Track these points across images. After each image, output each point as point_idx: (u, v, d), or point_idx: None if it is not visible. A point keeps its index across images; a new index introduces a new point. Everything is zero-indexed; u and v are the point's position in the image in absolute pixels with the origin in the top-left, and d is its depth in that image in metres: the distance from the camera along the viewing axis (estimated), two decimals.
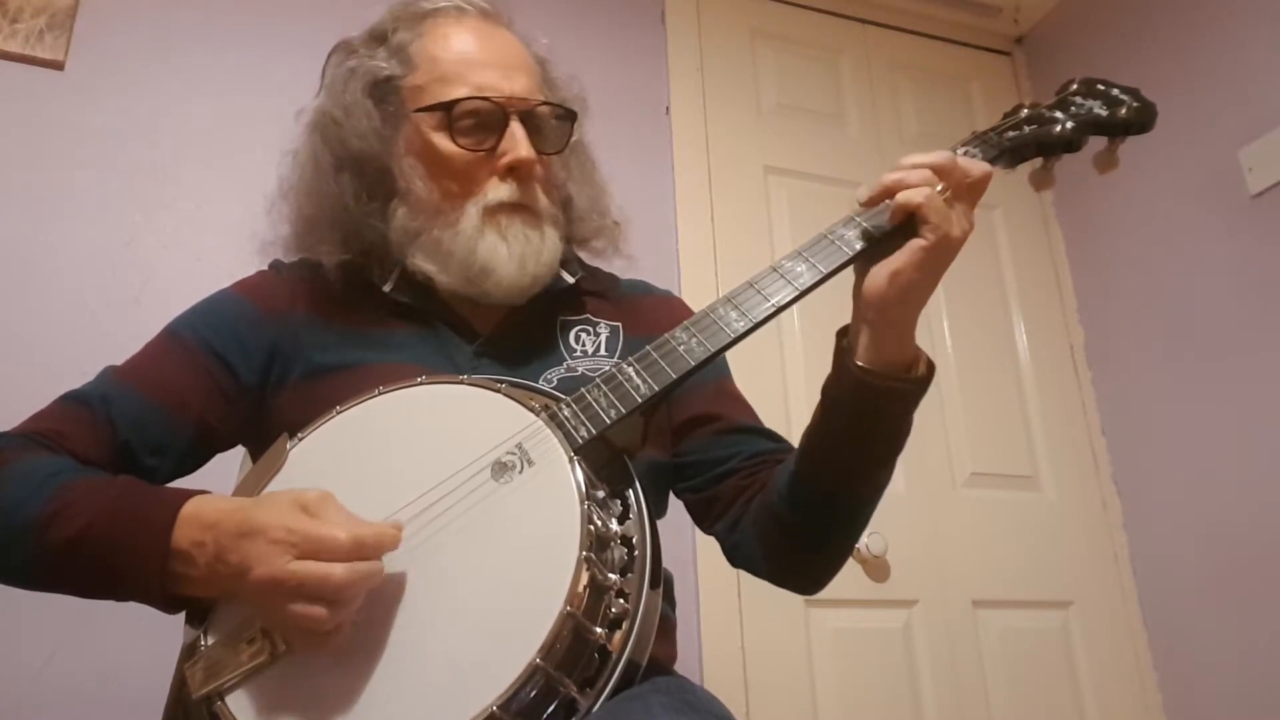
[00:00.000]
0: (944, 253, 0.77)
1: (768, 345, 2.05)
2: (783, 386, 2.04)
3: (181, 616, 0.78)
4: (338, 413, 0.83)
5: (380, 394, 0.84)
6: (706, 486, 1.00)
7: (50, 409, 0.88)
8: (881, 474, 0.87)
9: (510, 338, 0.98)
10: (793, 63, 2.41)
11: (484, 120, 0.95)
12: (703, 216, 2.13)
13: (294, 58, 1.88)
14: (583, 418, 0.77)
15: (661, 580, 0.76)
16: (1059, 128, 0.88)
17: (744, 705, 1.78)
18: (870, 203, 0.81)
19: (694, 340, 0.79)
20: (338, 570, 0.66)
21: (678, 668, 0.94)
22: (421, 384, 0.84)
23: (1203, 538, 1.99)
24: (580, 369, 0.97)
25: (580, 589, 0.67)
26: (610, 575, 0.70)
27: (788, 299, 0.80)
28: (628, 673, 0.68)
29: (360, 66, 0.98)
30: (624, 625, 0.69)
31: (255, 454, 0.97)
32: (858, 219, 0.81)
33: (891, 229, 0.79)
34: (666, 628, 0.96)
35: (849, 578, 1.84)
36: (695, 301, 1.04)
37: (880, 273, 0.78)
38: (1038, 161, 0.90)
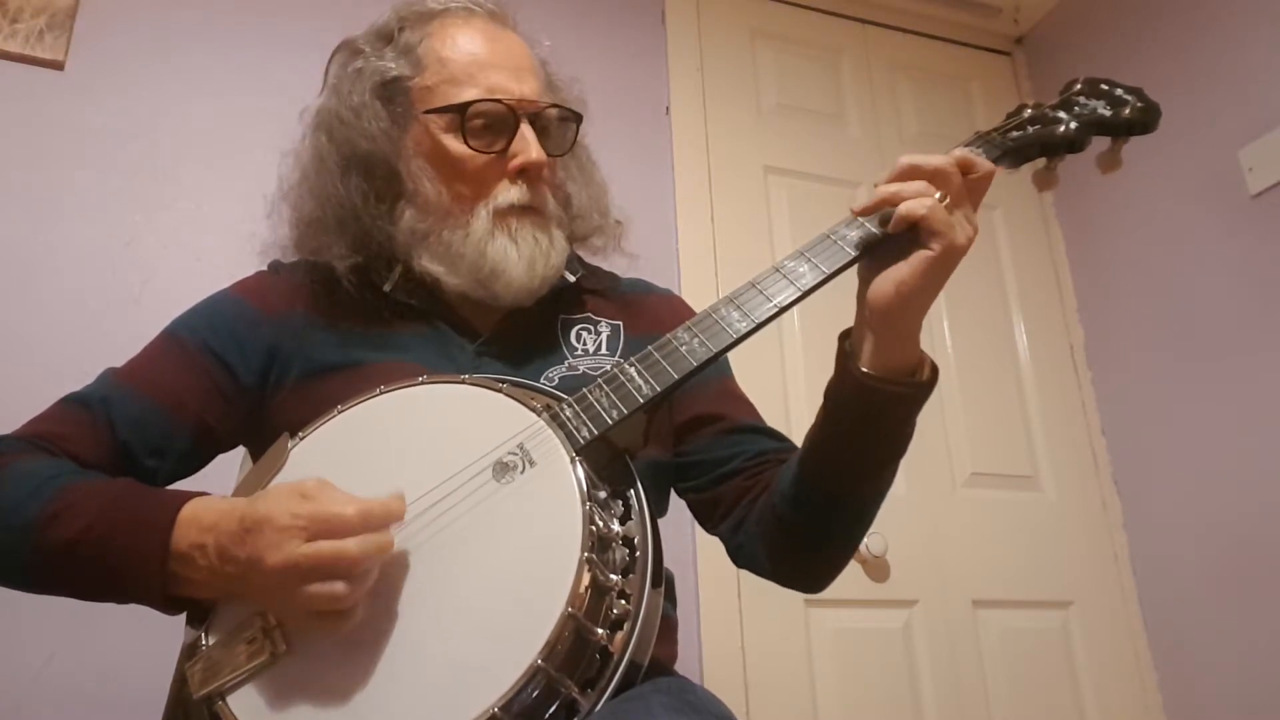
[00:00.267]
0: (949, 261, 0.77)
1: (768, 345, 2.05)
2: (783, 387, 2.03)
3: (182, 617, 0.78)
4: (339, 412, 0.83)
5: (381, 393, 0.83)
6: (710, 487, 1.00)
7: (51, 411, 0.88)
8: (885, 476, 0.87)
9: (511, 337, 0.98)
10: (793, 63, 2.41)
11: (494, 122, 0.95)
12: (703, 216, 2.13)
13: (294, 58, 1.88)
14: (584, 418, 0.77)
15: (663, 580, 0.75)
16: (1062, 128, 0.88)
17: (744, 705, 1.78)
18: (866, 213, 0.80)
19: (696, 340, 0.79)
20: (351, 545, 0.67)
21: (678, 668, 0.94)
22: (422, 384, 0.83)
23: (1203, 538, 1.99)
24: (581, 367, 0.97)
25: (582, 590, 0.67)
26: (612, 576, 0.70)
27: (790, 299, 0.79)
28: (629, 673, 0.68)
29: (368, 67, 0.98)
30: (625, 626, 0.69)
31: (256, 454, 0.97)
32: (860, 219, 0.81)
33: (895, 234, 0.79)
34: (667, 628, 0.96)
35: (849, 578, 1.83)
36: (695, 301, 1.05)
37: (885, 282, 0.77)
38: (1040, 162, 0.90)
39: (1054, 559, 2.13)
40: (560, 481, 0.73)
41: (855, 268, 0.81)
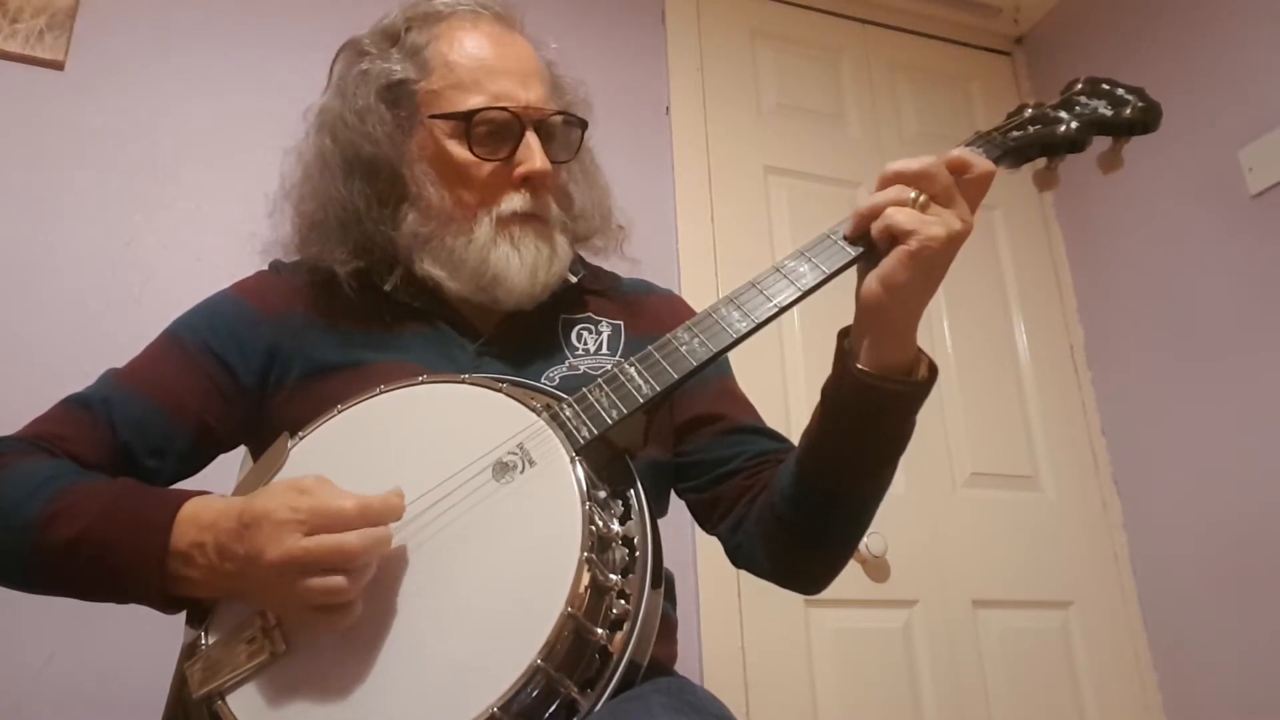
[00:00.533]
0: (932, 256, 0.75)
1: (768, 345, 2.05)
2: (783, 386, 2.03)
3: (181, 616, 0.78)
4: (339, 412, 0.83)
5: (381, 393, 0.83)
6: (709, 487, 1.00)
7: (52, 412, 0.88)
8: (883, 474, 0.87)
9: (512, 337, 0.98)
10: (793, 63, 2.41)
11: (500, 129, 0.95)
12: (703, 216, 2.13)
13: (294, 58, 1.88)
14: (584, 418, 0.77)
15: (663, 581, 0.75)
16: (1063, 127, 0.88)
17: (744, 705, 1.78)
18: (851, 236, 0.80)
19: (696, 340, 0.79)
20: (351, 538, 0.67)
21: (678, 668, 0.94)
22: (423, 383, 0.83)
23: (1203, 538, 1.99)
24: (582, 367, 0.97)
25: (581, 590, 0.67)
26: (611, 576, 0.70)
27: (790, 299, 0.79)
28: (629, 673, 0.68)
29: (373, 69, 0.97)
30: (625, 626, 0.69)
31: (256, 454, 0.97)
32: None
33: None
34: (667, 628, 0.96)
35: (849, 578, 1.84)
36: (695, 301, 1.04)
37: (873, 279, 0.77)
38: (1041, 162, 0.90)
39: (1054, 559, 2.13)
40: (560, 481, 0.73)
41: (855, 267, 0.81)
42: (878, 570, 1.96)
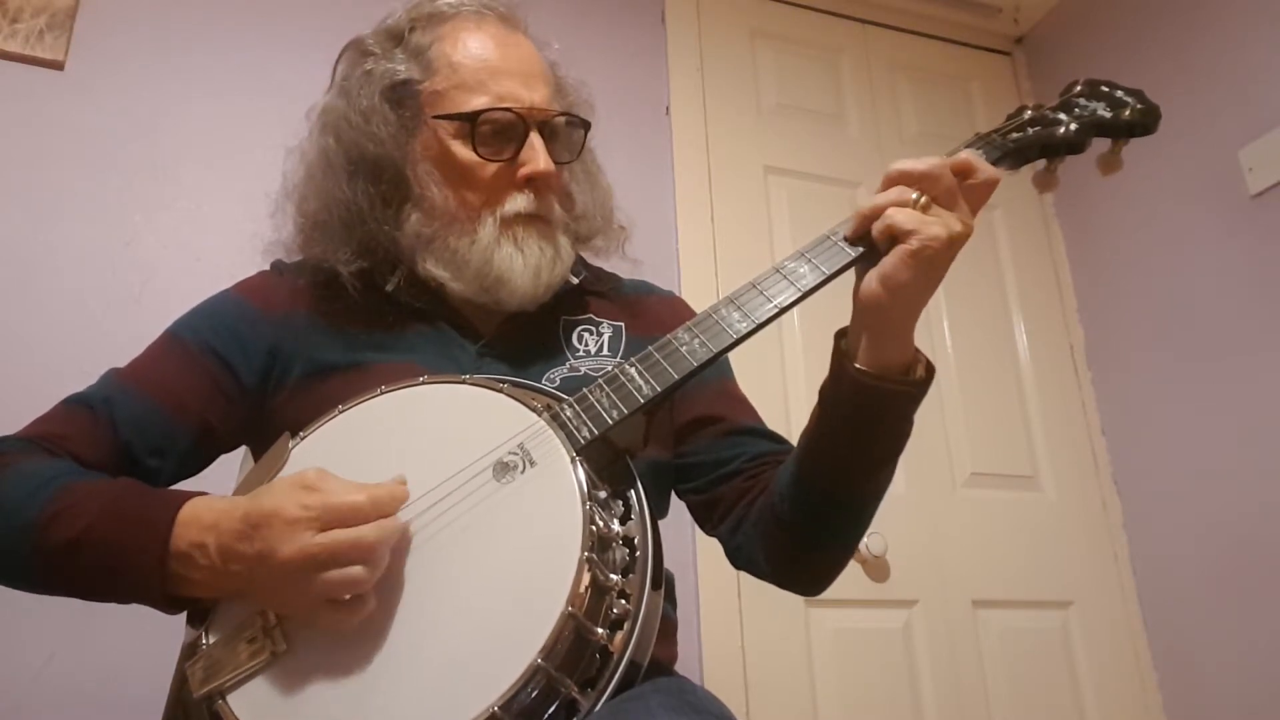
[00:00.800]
0: (932, 256, 0.75)
1: (768, 346, 2.05)
2: (783, 387, 2.03)
3: (182, 616, 0.78)
4: (340, 412, 0.84)
5: (382, 394, 0.84)
6: (709, 488, 1.00)
7: (53, 412, 0.88)
8: (882, 474, 0.87)
9: (514, 338, 0.98)
10: (793, 63, 2.41)
11: (504, 130, 0.95)
12: (703, 216, 2.13)
13: (294, 58, 1.88)
14: (585, 418, 0.77)
15: (663, 581, 0.75)
16: (1062, 129, 0.88)
17: (744, 705, 1.78)
18: (852, 236, 0.80)
19: (696, 341, 0.79)
20: (367, 531, 0.68)
21: (678, 668, 0.94)
22: (423, 384, 0.84)
23: (1203, 538, 1.99)
24: (583, 369, 0.97)
25: (582, 589, 0.67)
26: (612, 576, 0.70)
27: (790, 300, 0.79)
28: (629, 673, 0.68)
29: (377, 69, 0.97)
30: (625, 626, 0.69)
31: (257, 454, 0.97)
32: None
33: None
34: (668, 628, 0.96)
35: (849, 578, 1.84)
36: (696, 301, 1.05)
37: (873, 278, 0.78)
38: (1040, 163, 0.90)
39: (1054, 559, 2.13)
40: (560, 481, 0.73)
41: (854, 268, 0.81)
42: (878, 570, 1.96)
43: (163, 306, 1.02)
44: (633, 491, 0.77)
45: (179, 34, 1.86)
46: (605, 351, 1.00)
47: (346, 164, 0.96)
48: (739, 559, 0.99)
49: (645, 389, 0.78)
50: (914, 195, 0.77)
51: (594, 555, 0.69)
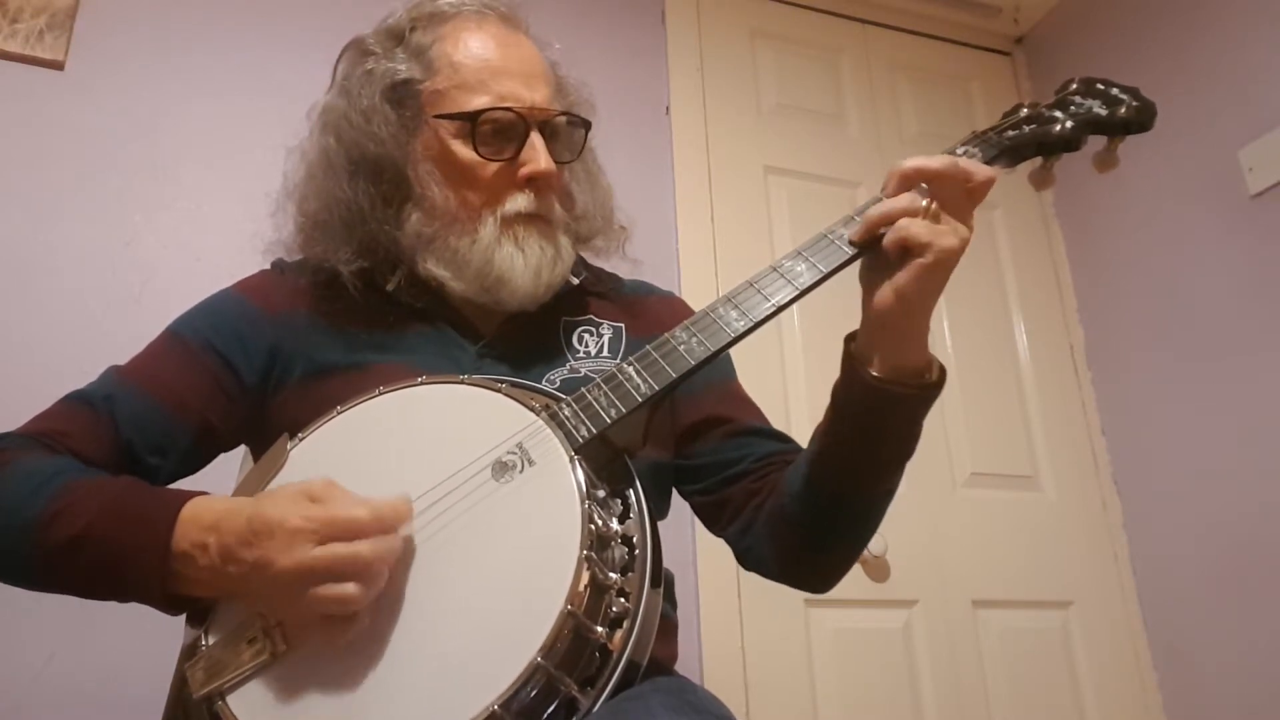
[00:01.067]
0: (944, 265, 0.76)
1: (768, 345, 2.05)
2: (783, 386, 2.03)
3: (182, 617, 0.78)
4: (338, 413, 0.83)
5: (381, 394, 0.84)
6: (717, 489, 1.00)
7: (54, 409, 0.88)
8: (893, 476, 0.87)
9: (513, 339, 0.98)
10: (793, 63, 2.41)
11: (505, 129, 0.95)
12: (703, 216, 2.13)
13: (294, 58, 1.88)
14: (583, 417, 0.77)
15: (662, 580, 0.75)
16: (1058, 127, 0.88)
17: (744, 705, 1.78)
18: (860, 240, 0.80)
19: (694, 340, 0.79)
20: (365, 547, 0.67)
21: (678, 668, 0.94)
22: (422, 384, 0.84)
23: (1203, 538, 1.99)
24: (583, 370, 0.97)
25: (581, 588, 0.67)
26: (611, 574, 0.70)
27: (788, 299, 0.80)
28: (628, 672, 0.68)
29: (378, 68, 0.97)
30: (625, 625, 0.69)
31: (257, 453, 0.97)
32: (857, 218, 0.81)
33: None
34: (667, 628, 0.96)
35: (849, 578, 1.82)
36: (695, 302, 1.04)
37: (886, 290, 0.78)
38: (1037, 161, 0.90)
39: (1054, 559, 2.13)
40: (559, 480, 0.73)
41: (854, 269, 0.82)
42: (878, 570, 1.96)
43: (163, 306, 1.02)
44: (631, 490, 0.77)
45: (179, 34, 1.87)
46: (605, 353, 1.00)
47: (347, 164, 0.96)
48: (749, 560, 0.99)
49: (643, 388, 0.78)
50: (923, 202, 0.77)
51: (593, 554, 0.69)
